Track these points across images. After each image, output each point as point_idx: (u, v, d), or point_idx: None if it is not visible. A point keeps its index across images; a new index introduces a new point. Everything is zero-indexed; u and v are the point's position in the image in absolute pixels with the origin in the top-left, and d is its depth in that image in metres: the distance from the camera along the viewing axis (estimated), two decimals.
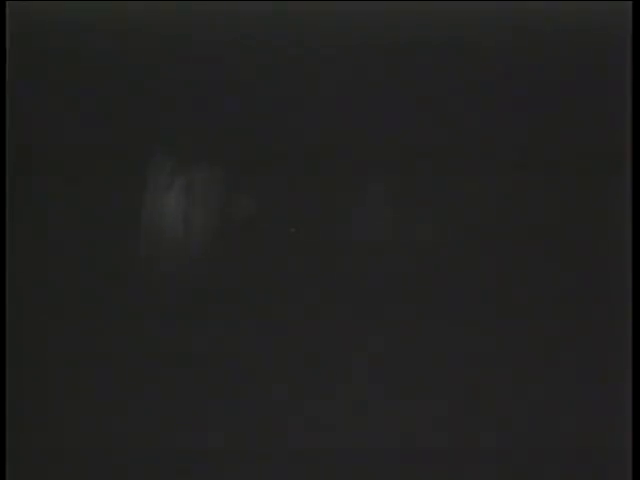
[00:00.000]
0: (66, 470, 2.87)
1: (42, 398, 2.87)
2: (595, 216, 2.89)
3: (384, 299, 2.87)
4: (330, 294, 2.86)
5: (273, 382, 2.84)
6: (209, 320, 2.86)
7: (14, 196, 2.88)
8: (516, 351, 2.88)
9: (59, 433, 2.87)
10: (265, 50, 2.87)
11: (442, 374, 2.87)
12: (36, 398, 2.88)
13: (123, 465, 2.85)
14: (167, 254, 2.90)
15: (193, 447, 2.84)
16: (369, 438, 2.84)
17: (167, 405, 2.86)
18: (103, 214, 2.88)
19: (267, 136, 2.88)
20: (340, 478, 2.85)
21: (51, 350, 2.86)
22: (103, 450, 2.86)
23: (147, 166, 2.92)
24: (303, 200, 2.88)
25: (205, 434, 2.83)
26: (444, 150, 2.89)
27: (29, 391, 2.87)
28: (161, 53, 2.91)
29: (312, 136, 2.88)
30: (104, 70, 2.90)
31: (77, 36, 2.88)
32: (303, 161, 2.88)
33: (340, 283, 2.86)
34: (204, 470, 2.85)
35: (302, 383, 2.84)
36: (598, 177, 2.89)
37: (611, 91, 2.88)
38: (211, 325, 2.85)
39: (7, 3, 2.80)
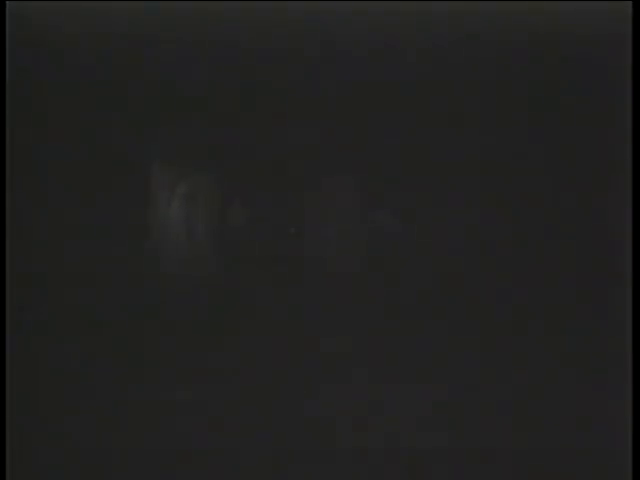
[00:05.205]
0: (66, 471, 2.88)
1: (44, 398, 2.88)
2: (595, 216, 2.89)
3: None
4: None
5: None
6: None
7: (15, 201, 2.89)
8: (516, 352, 2.88)
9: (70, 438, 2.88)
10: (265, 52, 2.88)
11: (443, 374, 2.88)
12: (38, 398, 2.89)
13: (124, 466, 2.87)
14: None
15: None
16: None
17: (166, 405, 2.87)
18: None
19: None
20: None
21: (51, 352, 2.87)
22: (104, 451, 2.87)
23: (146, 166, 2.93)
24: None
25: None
26: (442, 151, 2.90)
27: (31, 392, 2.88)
28: (161, 52, 2.91)
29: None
30: (104, 70, 2.90)
31: (77, 36, 2.88)
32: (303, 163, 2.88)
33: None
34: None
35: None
36: (598, 177, 2.89)
37: (611, 90, 2.88)
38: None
39: (7, 3, 2.81)
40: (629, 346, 2.74)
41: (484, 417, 2.91)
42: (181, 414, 2.89)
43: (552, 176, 2.92)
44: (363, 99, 2.90)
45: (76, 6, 2.82)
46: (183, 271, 2.92)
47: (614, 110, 2.88)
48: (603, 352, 2.89)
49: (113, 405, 2.89)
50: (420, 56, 2.90)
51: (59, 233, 2.91)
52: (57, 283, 2.90)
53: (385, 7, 2.74)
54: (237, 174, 2.92)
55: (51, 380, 2.90)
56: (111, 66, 2.92)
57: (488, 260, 2.91)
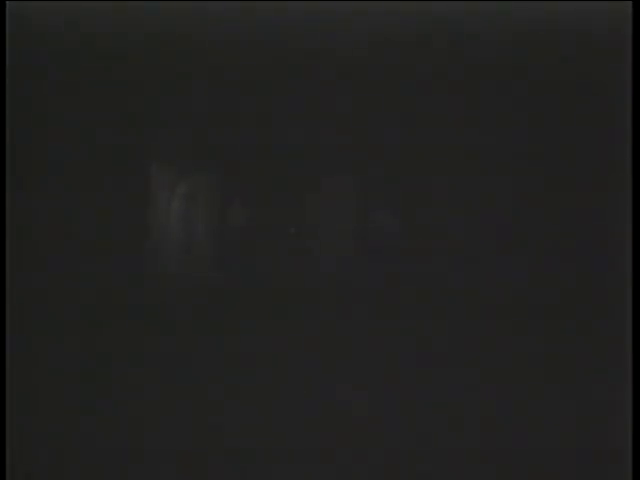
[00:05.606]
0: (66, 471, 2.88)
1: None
2: (595, 216, 2.89)
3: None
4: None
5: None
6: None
7: (15, 201, 2.89)
8: (516, 352, 2.88)
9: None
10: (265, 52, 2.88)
11: (443, 375, 2.88)
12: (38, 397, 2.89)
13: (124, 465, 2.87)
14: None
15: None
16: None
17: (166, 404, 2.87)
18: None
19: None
20: None
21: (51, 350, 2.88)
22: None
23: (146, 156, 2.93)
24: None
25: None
26: (443, 151, 2.90)
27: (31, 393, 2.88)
28: (160, 52, 2.91)
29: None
30: (104, 70, 2.90)
31: (77, 36, 2.89)
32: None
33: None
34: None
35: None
36: (599, 176, 2.89)
37: (611, 90, 2.88)
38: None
39: (7, 3, 2.81)
40: (629, 346, 2.74)
41: (483, 417, 2.91)
42: (181, 414, 2.89)
43: (552, 176, 2.92)
44: (363, 99, 2.90)
45: (76, 6, 2.82)
46: (183, 271, 2.92)
47: (614, 110, 2.88)
48: (603, 352, 2.89)
49: (113, 405, 2.89)
50: (420, 56, 2.90)
51: (59, 233, 2.91)
52: (57, 283, 2.90)
53: (385, 7, 2.74)
54: (237, 174, 2.92)
55: (51, 380, 2.90)
56: (111, 66, 2.92)
57: (487, 260, 2.91)
